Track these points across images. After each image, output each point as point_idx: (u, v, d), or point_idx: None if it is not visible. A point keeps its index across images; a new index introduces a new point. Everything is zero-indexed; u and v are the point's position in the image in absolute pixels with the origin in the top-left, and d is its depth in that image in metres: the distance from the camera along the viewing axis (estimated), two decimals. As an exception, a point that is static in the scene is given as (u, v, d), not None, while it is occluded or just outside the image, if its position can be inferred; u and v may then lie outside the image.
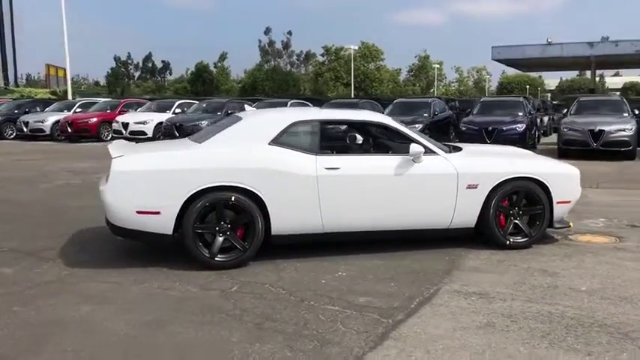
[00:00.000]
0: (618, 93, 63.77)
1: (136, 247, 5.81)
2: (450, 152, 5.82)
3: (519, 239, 5.84)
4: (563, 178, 5.95)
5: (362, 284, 4.80)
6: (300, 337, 3.76)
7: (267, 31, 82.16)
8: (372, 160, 5.60)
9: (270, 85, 62.68)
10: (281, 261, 5.41)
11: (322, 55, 75.45)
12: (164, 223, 5.09)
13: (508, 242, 5.79)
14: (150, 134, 19.92)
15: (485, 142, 14.38)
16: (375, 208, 5.50)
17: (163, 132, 19.27)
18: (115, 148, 5.32)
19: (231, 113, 19.85)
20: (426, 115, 17.31)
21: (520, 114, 16.36)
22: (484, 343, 3.64)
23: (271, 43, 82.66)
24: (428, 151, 5.57)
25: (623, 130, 14.32)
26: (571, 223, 6.24)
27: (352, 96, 48.83)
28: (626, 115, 15.35)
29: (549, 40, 34.48)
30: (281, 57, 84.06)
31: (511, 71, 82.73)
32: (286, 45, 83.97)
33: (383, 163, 5.53)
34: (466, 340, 3.68)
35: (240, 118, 5.64)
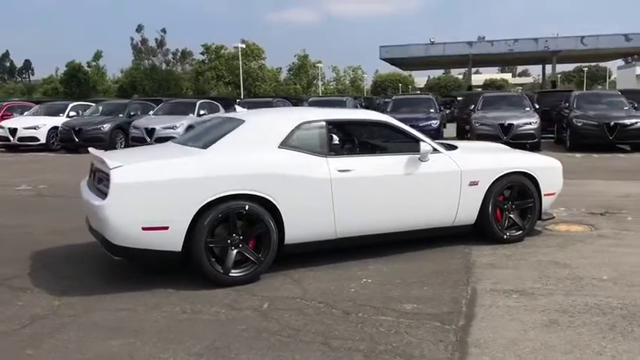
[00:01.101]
0: (520, 89, 68.46)
1: (109, 267, 5.25)
2: (449, 150, 5.80)
3: (515, 233, 5.95)
4: (549, 171, 6.15)
5: (395, 290, 4.62)
6: (381, 353, 3.51)
7: (140, 29, 78.41)
8: (381, 160, 5.42)
9: (150, 84, 60.19)
10: (291, 272, 5.08)
11: (202, 53, 73.79)
12: (172, 239, 4.57)
13: (505, 236, 5.88)
14: (43, 140, 18.21)
15: None
16: (386, 209, 5.33)
17: (60, 137, 17.74)
18: (109, 156, 4.69)
19: (134, 115, 18.76)
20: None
21: (432, 110, 16.93)
22: (564, 341, 3.61)
23: (144, 41, 79.23)
24: (432, 150, 5.49)
25: (530, 123, 15.29)
26: (554, 214, 6.48)
27: (242, 96, 48.09)
28: (528, 109, 16.41)
29: (432, 40, 36.20)
30: (155, 55, 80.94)
31: (384, 70, 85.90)
32: (161, 43, 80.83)
33: (392, 163, 5.38)
34: (545, 340, 3.63)
35: (241, 121, 5.21)
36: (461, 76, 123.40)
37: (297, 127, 5.12)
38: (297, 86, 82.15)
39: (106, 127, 17.54)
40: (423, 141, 5.46)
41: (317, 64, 79.18)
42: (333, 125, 5.46)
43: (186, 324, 4.00)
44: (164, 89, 57.99)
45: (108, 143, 17.18)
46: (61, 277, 5.13)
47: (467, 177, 5.61)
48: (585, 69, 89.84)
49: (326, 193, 5.02)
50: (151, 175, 4.54)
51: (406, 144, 5.61)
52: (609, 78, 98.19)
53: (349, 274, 5.06)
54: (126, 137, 17.69)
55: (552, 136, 18.03)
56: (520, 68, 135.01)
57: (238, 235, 4.77)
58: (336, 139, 6.52)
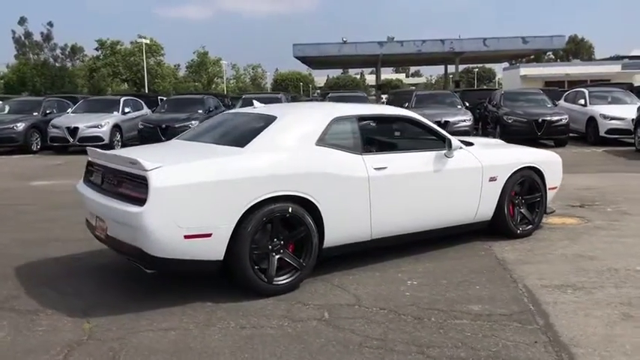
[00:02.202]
0: (414, 89, 70.36)
1: (117, 281, 4.78)
2: (467, 146, 5.72)
3: (526, 227, 5.99)
4: (554, 166, 6.25)
5: (449, 291, 4.45)
6: (487, 359, 3.33)
7: (22, 21, 72.74)
8: (411, 157, 5.22)
9: (41, 81, 56.14)
10: (328, 276, 4.78)
11: (96, 49, 70.08)
12: (215, 247, 4.13)
13: (518, 231, 5.91)
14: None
15: None
16: (418, 208, 5.16)
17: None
18: (138, 155, 4.13)
19: (50, 113, 17.27)
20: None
21: (460, 107, 17.21)
22: (655, 334, 3.61)
23: (28, 34, 73.75)
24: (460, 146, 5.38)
25: (464, 120, 15.77)
26: (554, 208, 6.61)
27: (147, 91, 46.08)
28: (460, 107, 16.91)
29: (344, 40, 36.53)
30: (42, 50, 75.67)
31: (284, 69, 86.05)
32: (47, 37, 75.65)
33: (422, 160, 5.21)
34: (636, 334, 3.62)
35: (273, 117, 4.80)
36: (358, 76, 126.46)
37: (331, 124, 4.82)
38: (197, 84, 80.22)
39: (20, 126, 16.05)
40: (445, 137, 5.34)
41: (222, 61, 77.77)
42: (363, 121, 5.21)
43: (256, 341, 3.60)
44: (58, 86, 54.30)
45: (22, 144, 15.76)
46: (70, 294, 4.50)
47: (487, 172, 5.57)
48: (476, 70, 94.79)
49: (364, 193, 4.76)
50: (194, 177, 4.06)
51: (430, 140, 5.47)
52: (494, 79, 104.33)
53: (388, 275, 4.84)
54: (42, 137, 16.30)
55: (475, 133, 18.72)
56: (413, 69, 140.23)
57: (279, 240, 4.41)
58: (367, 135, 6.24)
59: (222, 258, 4.17)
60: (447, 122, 15.49)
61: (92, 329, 3.81)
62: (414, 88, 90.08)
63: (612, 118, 15.66)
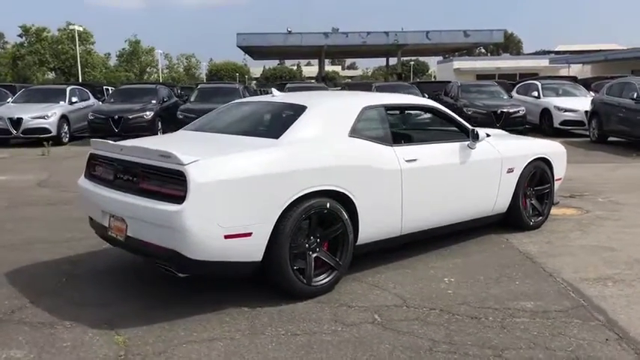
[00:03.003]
0: (349, 81, 70.42)
1: (129, 286, 4.38)
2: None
3: (537, 219, 5.93)
4: (560, 156, 6.21)
5: (492, 288, 4.28)
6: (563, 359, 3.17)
7: None
8: (439, 148, 5.01)
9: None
10: (358, 275, 4.52)
11: (20, 35, 66.34)
12: (255, 247, 3.78)
13: (531, 223, 5.83)
14: None
15: None
16: (445, 201, 4.97)
17: None
18: (170, 147, 3.70)
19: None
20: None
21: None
22: None
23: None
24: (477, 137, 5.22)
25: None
26: (559, 199, 6.59)
27: (81, 80, 43.92)
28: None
29: (289, 30, 36.05)
30: (-47, 35, 71.06)
31: (219, 59, 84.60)
32: (-39, 22, 71.11)
33: (448, 152, 5.02)
34: (700, 328, 3.56)
35: (302, 106, 4.44)
36: (295, 67, 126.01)
37: (362, 113, 4.54)
38: (129, 74, 77.52)
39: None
40: (466, 127, 5.18)
41: (157, 51, 75.37)
42: (391, 110, 4.95)
43: (316, 349, 3.30)
44: (-21, 75, 51.03)
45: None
46: (83, 302, 4.04)
47: (506, 164, 5.45)
48: (412, 63, 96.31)
49: (397, 186, 4.52)
50: (234, 172, 3.68)
51: (452, 131, 5.29)
52: (427, 71, 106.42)
53: (419, 272, 4.64)
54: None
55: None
56: (348, 61, 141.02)
57: (315, 238, 4.10)
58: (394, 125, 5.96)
59: (261, 259, 3.83)
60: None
61: (126, 343, 3.39)
62: (349, 80, 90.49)
63: (566, 110, 16.09)
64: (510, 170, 5.50)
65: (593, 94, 17.26)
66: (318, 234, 4.11)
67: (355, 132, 4.42)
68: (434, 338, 3.44)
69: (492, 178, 5.35)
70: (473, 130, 5.12)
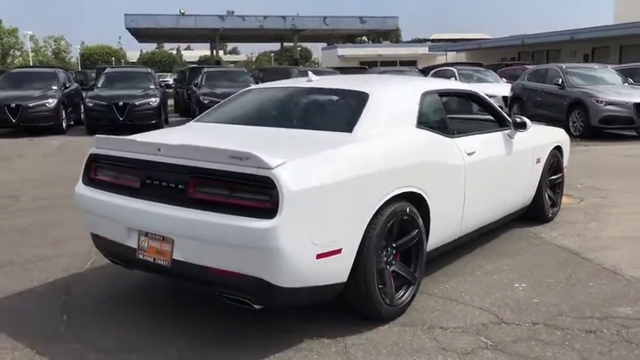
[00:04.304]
0: (233, 65, 68.33)
1: (171, 311, 3.44)
2: (511, 124, 5.18)
3: (553, 209, 5.67)
4: (568, 144, 5.99)
5: (574, 293, 3.87)
6: None
7: None
8: (489, 138, 4.51)
9: None
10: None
11: None
12: (343, 265, 3.08)
13: (550, 214, 5.57)
14: None
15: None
16: (496, 196, 4.54)
17: None
18: (243, 144, 2.87)
19: None
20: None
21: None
22: None
23: None
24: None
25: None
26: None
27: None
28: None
29: (182, 11, 34.26)
30: None
31: (91, 42, 79.70)
32: None
33: (497, 142, 4.56)
34: None
35: (365, 94, 3.70)
36: (174, 52, 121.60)
37: (423, 100, 3.93)
38: (-10, 56, 70.55)
39: None
40: (504, 116, 4.76)
41: (23, 32, 69.11)
42: (444, 97, 4.38)
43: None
44: None
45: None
46: (105, 349, 3.11)
47: (536, 153, 5.11)
48: (299, 49, 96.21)
49: (461, 182, 4.00)
50: (326, 175, 2.94)
51: (491, 120, 4.85)
52: (311, 58, 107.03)
53: (481, 278, 4.16)
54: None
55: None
56: (230, 46, 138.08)
57: (392, 250, 3.47)
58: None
59: (345, 279, 3.13)
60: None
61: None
62: (232, 65, 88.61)
63: (488, 96, 16.41)
64: (538, 160, 5.18)
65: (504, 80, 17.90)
66: (394, 244, 3.48)
67: (421, 122, 3.81)
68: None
69: (527, 169, 5.00)
70: (515, 119, 4.70)
